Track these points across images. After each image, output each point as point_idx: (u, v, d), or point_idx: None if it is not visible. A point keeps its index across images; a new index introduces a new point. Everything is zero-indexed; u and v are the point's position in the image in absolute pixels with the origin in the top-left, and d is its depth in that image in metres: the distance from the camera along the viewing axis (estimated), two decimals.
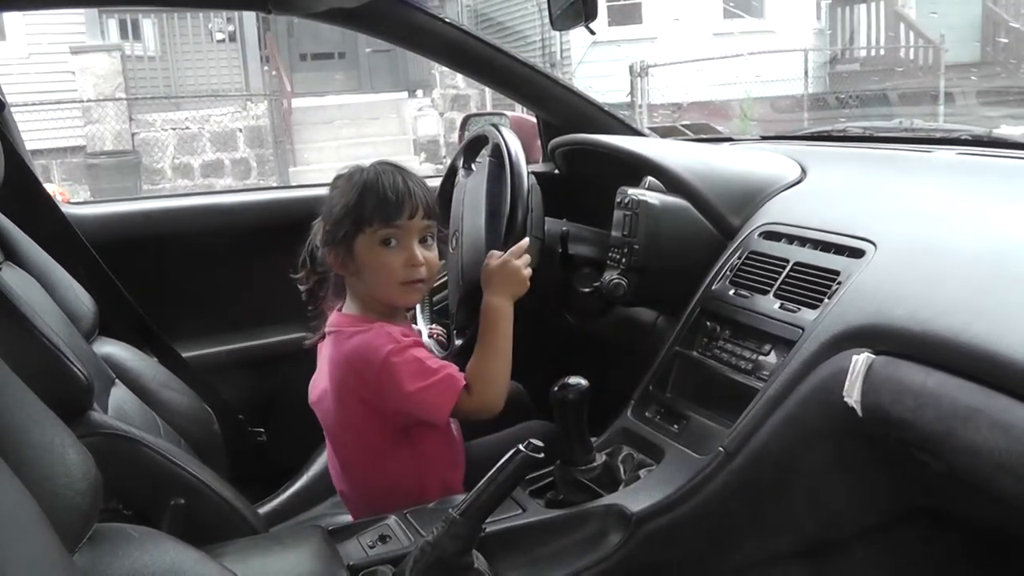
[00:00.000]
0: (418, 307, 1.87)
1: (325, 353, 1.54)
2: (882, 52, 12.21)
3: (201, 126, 10.96)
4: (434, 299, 1.90)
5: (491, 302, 1.50)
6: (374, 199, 1.43)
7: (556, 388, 1.32)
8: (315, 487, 1.88)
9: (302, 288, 1.57)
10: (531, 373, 1.70)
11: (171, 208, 2.34)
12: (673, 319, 1.64)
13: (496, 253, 1.53)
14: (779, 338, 1.38)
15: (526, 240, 1.53)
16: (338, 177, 1.51)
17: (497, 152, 1.64)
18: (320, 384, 1.55)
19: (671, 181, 1.69)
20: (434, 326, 1.84)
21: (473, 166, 1.83)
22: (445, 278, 1.89)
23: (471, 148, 1.85)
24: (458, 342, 1.58)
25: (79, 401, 1.20)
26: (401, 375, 1.40)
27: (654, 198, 1.65)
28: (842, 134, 2.26)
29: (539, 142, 2.31)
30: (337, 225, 1.45)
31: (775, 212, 1.61)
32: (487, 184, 1.67)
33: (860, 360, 1.17)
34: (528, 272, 1.51)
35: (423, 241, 1.48)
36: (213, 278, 2.13)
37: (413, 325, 1.80)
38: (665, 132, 2.71)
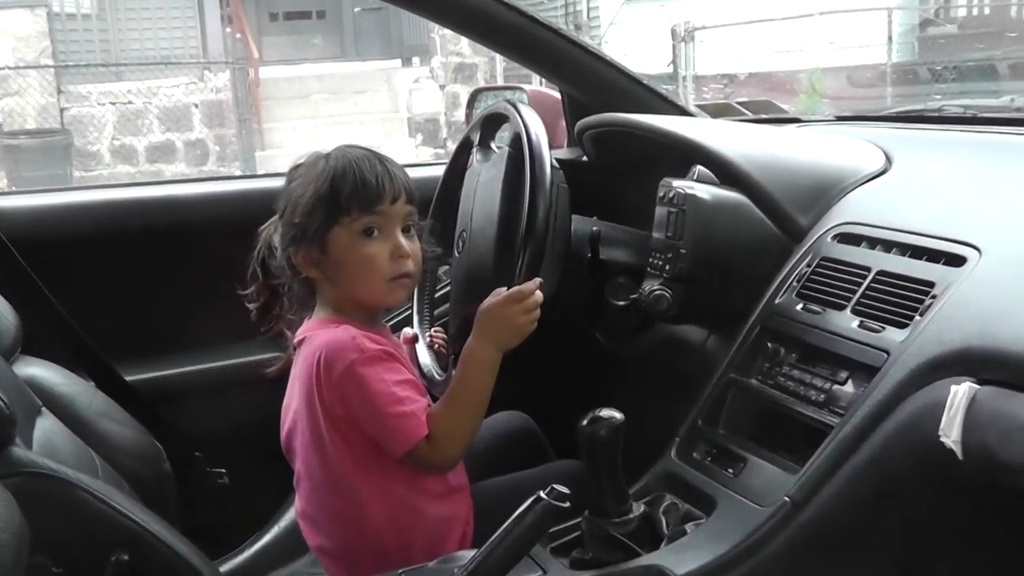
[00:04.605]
0: (415, 309, 1.88)
1: (295, 368, 1.57)
2: (987, 11, 12.14)
3: (147, 100, 11.01)
4: (435, 312, 1.90)
5: (474, 347, 1.52)
6: (351, 185, 1.48)
7: (585, 423, 1.32)
8: (288, 539, 1.88)
9: (251, 306, 1.61)
10: (554, 404, 1.71)
11: (110, 200, 2.35)
12: (727, 339, 1.64)
13: (501, 290, 1.54)
14: (858, 363, 1.38)
15: (536, 281, 1.53)
16: (296, 167, 1.56)
17: (517, 144, 1.64)
18: (290, 408, 1.57)
19: (725, 172, 1.70)
20: (434, 331, 1.84)
21: (493, 145, 1.83)
22: (447, 289, 1.90)
23: (489, 124, 1.85)
24: (454, 371, 1.59)
25: None
26: (366, 388, 1.45)
27: (704, 192, 1.66)
28: (937, 114, 2.26)
29: (563, 122, 2.32)
30: (307, 218, 1.49)
31: (853, 210, 1.62)
32: (503, 182, 1.67)
33: (960, 391, 1.17)
34: (529, 320, 1.52)
35: (406, 231, 1.53)
36: (164, 286, 2.14)
37: (409, 329, 1.83)
38: (717, 111, 2.73)
